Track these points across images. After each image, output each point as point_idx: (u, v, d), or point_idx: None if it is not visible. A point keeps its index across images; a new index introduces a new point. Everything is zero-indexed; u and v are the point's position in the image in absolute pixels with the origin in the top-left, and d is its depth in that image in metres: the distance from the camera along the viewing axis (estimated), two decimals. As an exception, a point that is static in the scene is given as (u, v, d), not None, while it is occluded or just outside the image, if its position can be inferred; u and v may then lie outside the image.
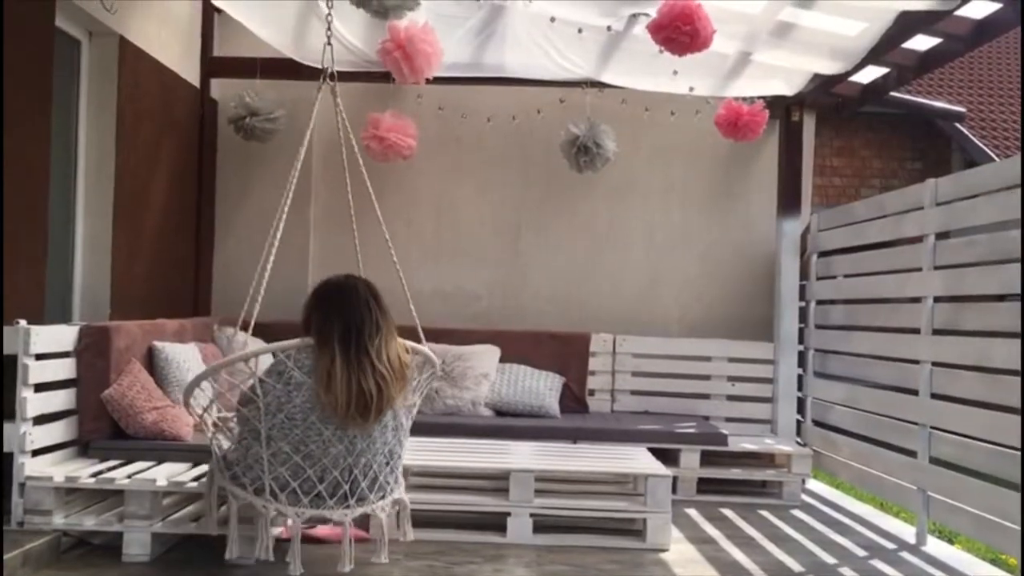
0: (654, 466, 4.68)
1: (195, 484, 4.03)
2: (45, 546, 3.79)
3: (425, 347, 3.80)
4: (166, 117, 5.93)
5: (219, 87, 6.63)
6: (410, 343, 3.67)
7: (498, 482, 4.66)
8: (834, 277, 6.17)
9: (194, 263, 6.39)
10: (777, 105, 6.33)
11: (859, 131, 12.24)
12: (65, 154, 5.10)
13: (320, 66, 4.34)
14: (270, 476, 3.47)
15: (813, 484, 6.23)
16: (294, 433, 3.43)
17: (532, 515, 4.47)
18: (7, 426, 3.94)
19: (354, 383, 3.37)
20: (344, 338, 3.42)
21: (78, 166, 5.21)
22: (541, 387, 6.08)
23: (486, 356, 6.16)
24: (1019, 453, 3.92)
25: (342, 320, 3.46)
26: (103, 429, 4.45)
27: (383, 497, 3.63)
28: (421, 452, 4.80)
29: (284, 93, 6.28)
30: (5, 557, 3.53)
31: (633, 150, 6.69)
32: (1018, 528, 3.88)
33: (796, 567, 4.26)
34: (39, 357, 4.07)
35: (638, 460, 4.85)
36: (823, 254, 6.34)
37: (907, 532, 4.99)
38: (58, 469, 4.10)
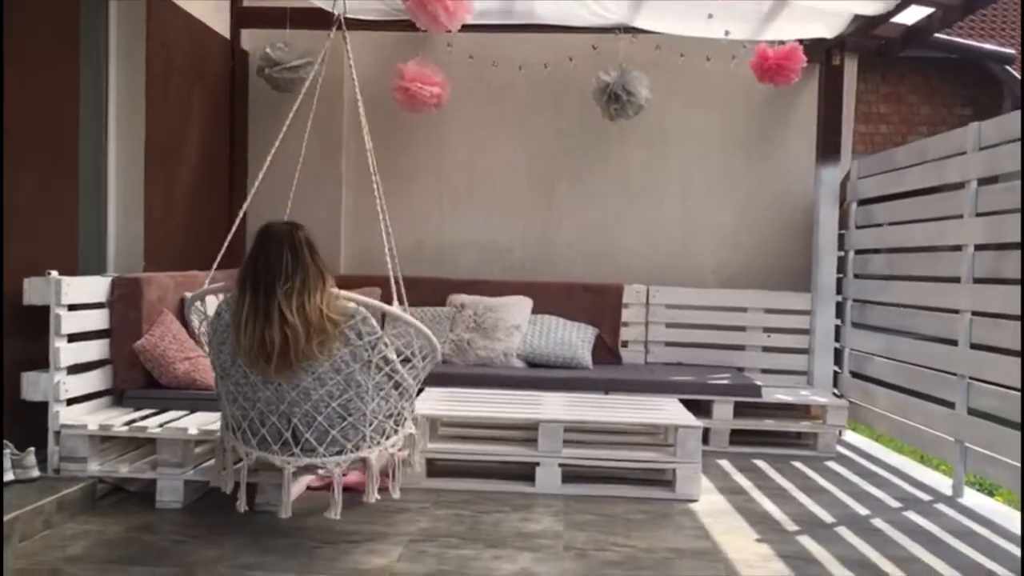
0: (684, 417, 4.65)
1: (225, 433, 4.08)
2: (80, 493, 3.87)
3: (387, 305, 3.59)
4: (197, 69, 5.92)
5: (250, 38, 6.59)
6: (361, 298, 3.46)
7: (528, 432, 4.66)
8: (874, 226, 6.02)
9: (227, 215, 6.40)
10: (817, 49, 6.15)
11: (907, 76, 11.89)
12: (96, 108, 5.11)
13: (333, 11, 4.24)
14: (228, 413, 3.62)
15: (850, 436, 6.16)
16: (231, 374, 3.50)
17: (561, 465, 4.47)
18: (42, 376, 4.01)
19: (258, 330, 3.30)
20: (254, 285, 3.36)
21: (109, 119, 5.22)
22: (573, 338, 6.04)
23: (518, 307, 6.14)
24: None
25: (253, 266, 3.39)
26: (137, 379, 4.52)
27: (340, 452, 3.52)
28: (452, 402, 4.83)
29: (316, 43, 6.21)
30: (42, 502, 3.62)
31: (668, 97, 6.55)
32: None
33: (828, 518, 4.21)
34: (72, 308, 4.13)
35: (668, 411, 4.81)
36: (863, 202, 6.18)
37: (944, 484, 4.91)
38: (92, 418, 4.17)
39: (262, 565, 3.32)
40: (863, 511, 4.36)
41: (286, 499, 3.57)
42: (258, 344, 3.30)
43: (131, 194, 5.31)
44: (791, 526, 4.06)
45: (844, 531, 4.00)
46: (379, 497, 3.67)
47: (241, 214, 4.46)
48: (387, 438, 3.66)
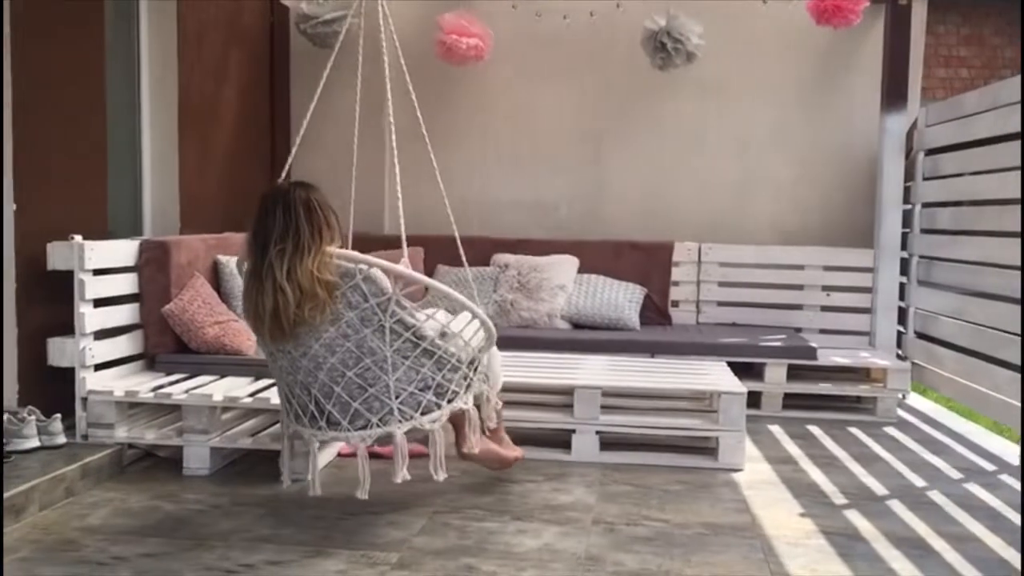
0: (728, 382, 4.42)
1: (250, 400, 4.01)
2: (106, 459, 3.84)
3: (390, 263, 3.21)
4: (233, 25, 5.80)
5: (290, -7, 6.44)
6: (366, 257, 3.16)
7: (566, 398, 4.49)
8: (943, 177, 5.64)
9: (269, 176, 6.31)
10: (882, -12, 5.75)
11: (989, 17, 11.22)
12: (127, 68, 5.04)
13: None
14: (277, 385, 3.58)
15: (915, 400, 5.84)
16: (260, 343, 3.42)
17: (598, 432, 4.30)
18: (68, 341, 3.98)
19: (253, 295, 3.15)
20: (252, 250, 3.21)
21: (141, 80, 5.16)
22: (620, 299, 5.83)
23: (563, 267, 5.95)
24: None
25: (251, 231, 3.23)
26: (168, 343, 4.47)
27: (365, 427, 3.28)
28: (486, 367, 4.68)
29: (359, -4, 6.05)
30: (65, 470, 3.60)
31: (723, 44, 6.19)
32: None
33: (880, 490, 3.97)
34: (101, 272, 4.08)
35: (712, 375, 4.59)
36: (931, 152, 5.80)
37: (1011, 453, 4.61)
38: (120, 383, 4.13)
39: (278, 538, 3.24)
40: (920, 483, 4.10)
41: (313, 474, 3.39)
42: (253, 309, 3.17)
43: (167, 156, 5.25)
44: (839, 499, 3.83)
45: (896, 505, 3.76)
46: (409, 477, 3.33)
47: (283, 175, 4.26)
48: (425, 413, 3.35)
